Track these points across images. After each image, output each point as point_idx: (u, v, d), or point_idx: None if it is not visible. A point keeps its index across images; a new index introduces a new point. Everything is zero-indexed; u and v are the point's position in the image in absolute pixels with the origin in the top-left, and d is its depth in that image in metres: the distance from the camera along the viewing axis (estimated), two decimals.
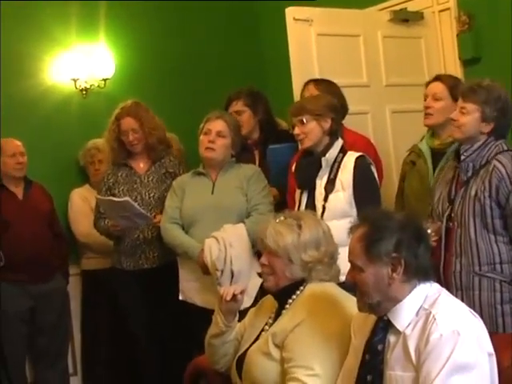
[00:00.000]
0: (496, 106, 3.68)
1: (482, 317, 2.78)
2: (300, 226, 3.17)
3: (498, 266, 3.63)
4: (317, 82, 4.72)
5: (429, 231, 3.53)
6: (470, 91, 3.73)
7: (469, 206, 3.65)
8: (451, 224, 3.71)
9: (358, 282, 2.69)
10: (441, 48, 5.52)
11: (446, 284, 3.57)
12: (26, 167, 5.37)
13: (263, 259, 3.24)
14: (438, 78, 4.32)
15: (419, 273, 2.66)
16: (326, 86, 4.66)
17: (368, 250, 2.65)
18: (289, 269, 3.16)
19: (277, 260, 3.17)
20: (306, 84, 4.73)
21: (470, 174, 3.70)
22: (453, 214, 3.71)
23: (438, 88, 4.24)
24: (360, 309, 2.76)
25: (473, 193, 3.65)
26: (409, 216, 2.80)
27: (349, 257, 2.73)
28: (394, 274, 2.63)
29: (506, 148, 3.70)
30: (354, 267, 2.70)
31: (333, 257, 3.20)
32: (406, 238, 2.64)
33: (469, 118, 3.70)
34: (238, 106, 5.13)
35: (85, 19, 6.01)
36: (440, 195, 3.82)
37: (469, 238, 3.65)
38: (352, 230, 2.76)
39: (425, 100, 4.28)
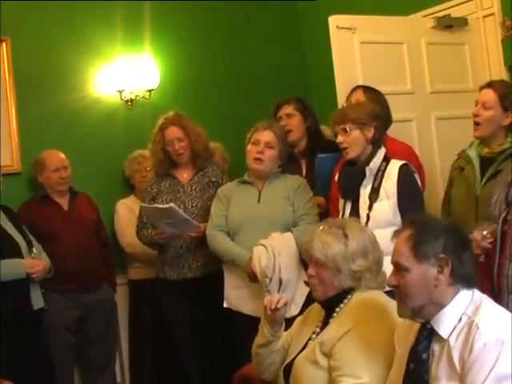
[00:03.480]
0: None
1: None
2: (346, 235, 3.17)
3: None
4: (365, 88, 4.70)
5: (484, 233, 3.52)
6: None
7: None
8: (507, 227, 3.65)
9: (403, 284, 2.66)
10: (485, 54, 5.48)
11: (498, 287, 3.53)
12: (69, 180, 5.43)
13: (311, 270, 3.23)
14: (489, 85, 4.21)
15: (464, 278, 2.64)
16: (373, 94, 4.64)
17: (416, 249, 2.63)
18: (337, 279, 3.16)
19: (325, 270, 3.17)
20: (355, 89, 4.72)
21: None
22: (509, 217, 3.63)
23: (489, 96, 4.12)
24: (401, 314, 2.73)
25: None
26: (454, 222, 2.79)
27: (393, 258, 2.71)
28: (441, 276, 2.61)
29: None
30: (399, 268, 2.67)
31: (379, 263, 3.20)
32: (452, 241, 2.63)
33: None
34: (288, 109, 5.14)
35: (129, 30, 6.06)
36: (497, 197, 3.75)
37: None
38: (397, 233, 2.75)
39: (476, 106, 4.20)
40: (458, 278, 2.62)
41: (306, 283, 3.32)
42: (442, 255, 2.61)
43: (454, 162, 4.37)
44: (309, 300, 3.69)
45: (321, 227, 3.25)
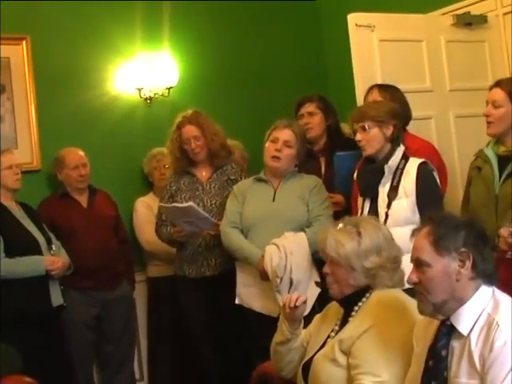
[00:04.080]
0: None
1: None
2: (359, 233, 3.17)
3: None
4: (381, 87, 4.70)
5: (511, 229, 3.52)
6: None
7: None
8: None
9: (424, 280, 2.65)
10: (505, 51, 5.44)
11: None
12: (88, 178, 5.45)
13: (326, 268, 3.24)
14: (497, 84, 4.20)
15: (484, 273, 2.63)
16: (390, 92, 4.63)
17: (436, 244, 2.63)
18: (352, 277, 3.16)
19: (339, 269, 3.17)
20: (371, 88, 4.72)
21: None
22: None
23: (498, 95, 4.12)
24: (422, 311, 2.72)
25: None
26: (472, 217, 2.79)
27: (413, 254, 2.71)
28: (462, 270, 2.61)
29: None
30: (420, 264, 2.67)
31: (396, 261, 3.18)
32: (473, 235, 2.63)
33: None
34: (311, 107, 5.14)
35: (148, 28, 6.07)
36: None
37: None
38: (415, 231, 2.75)
39: (487, 106, 4.19)
40: (479, 272, 2.62)
41: (317, 284, 3.33)
42: (463, 249, 2.61)
43: (472, 162, 4.36)
44: (323, 300, 3.68)
45: (337, 226, 3.25)
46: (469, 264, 2.61)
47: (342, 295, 3.21)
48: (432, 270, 2.63)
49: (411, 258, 2.72)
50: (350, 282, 3.17)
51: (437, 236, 2.64)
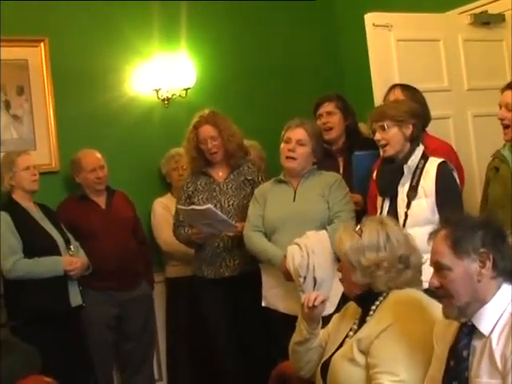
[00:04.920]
0: None
1: None
2: (362, 231, 3.18)
3: None
4: (403, 87, 4.70)
5: None
6: None
7: None
8: None
9: (446, 284, 2.64)
10: None
11: None
12: (106, 179, 5.47)
13: (338, 267, 3.30)
14: (509, 86, 4.15)
15: (505, 271, 2.62)
16: (410, 92, 4.63)
17: (455, 246, 2.62)
18: (354, 275, 3.16)
19: (344, 267, 3.21)
20: (392, 88, 4.72)
21: None
22: None
23: (510, 97, 4.05)
24: (447, 315, 2.70)
25: None
26: (489, 216, 2.78)
27: (433, 258, 2.69)
28: (483, 270, 2.60)
29: None
30: (440, 268, 2.65)
31: (403, 261, 3.14)
32: (490, 234, 2.62)
33: None
34: (329, 107, 5.14)
35: (166, 29, 6.09)
36: None
37: None
38: (433, 234, 2.73)
39: (500, 109, 4.12)
40: (500, 270, 2.61)
41: (342, 281, 3.33)
42: (482, 249, 2.59)
43: (490, 163, 4.33)
44: (345, 298, 3.68)
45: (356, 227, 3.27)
46: (489, 264, 2.59)
47: (352, 294, 3.23)
48: (453, 274, 2.62)
49: (430, 261, 2.71)
50: (352, 280, 3.17)
51: (455, 239, 2.63)
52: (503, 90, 4.16)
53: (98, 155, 5.48)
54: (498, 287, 2.62)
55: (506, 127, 4.08)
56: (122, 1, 5.87)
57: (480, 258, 2.60)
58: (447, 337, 2.74)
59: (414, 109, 4.26)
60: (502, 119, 4.09)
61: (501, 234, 2.67)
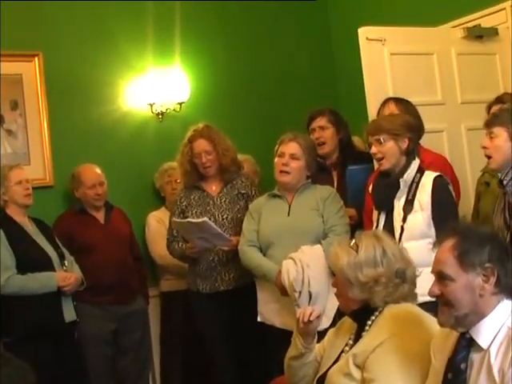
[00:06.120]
0: None
1: None
2: (358, 247, 3.16)
3: None
4: (397, 100, 4.71)
5: None
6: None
7: None
8: None
9: (446, 294, 2.62)
10: None
11: None
12: (105, 196, 5.47)
13: (333, 282, 3.29)
14: (498, 100, 4.14)
15: (507, 288, 2.61)
16: (404, 106, 4.64)
17: (462, 258, 2.59)
18: (351, 291, 3.14)
19: (340, 282, 3.19)
20: (386, 101, 4.73)
21: None
22: None
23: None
24: (443, 323, 2.68)
25: None
26: (494, 230, 2.75)
27: (436, 267, 2.66)
28: (486, 285, 2.58)
29: None
30: (443, 278, 2.63)
31: (399, 276, 3.13)
32: (497, 250, 2.60)
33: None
34: (322, 121, 5.15)
35: (160, 43, 6.11)
36: (497, 227, 3.74)
37: None
38: (438, 242, 2.71)
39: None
40: (503, 287, 2.59)
41: (337, 296, 3.32)
42: (488, 264, 2.58)
43: (480, 178, 4.35)
44: (341, 313, 3.67)
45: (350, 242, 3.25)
46: (493, 279, 2.58)
47: (348, 309, 3.21)
48: (455, 285, 2.60)
49: (433, 269, 2.68)
50: (349, 296, 3.15)
51: (462, 250, 2.60)
52: (490, 104, 4.17)
53: (99, 171, 5.48)
54: (498, 302, 2.61)
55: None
56: (116, 15, 5.89)
57: (485, 272, 2.58)
58: (445, 349, 2.73)
59: (410, 122, 4.26)
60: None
61: (507, 250, 2.66)
